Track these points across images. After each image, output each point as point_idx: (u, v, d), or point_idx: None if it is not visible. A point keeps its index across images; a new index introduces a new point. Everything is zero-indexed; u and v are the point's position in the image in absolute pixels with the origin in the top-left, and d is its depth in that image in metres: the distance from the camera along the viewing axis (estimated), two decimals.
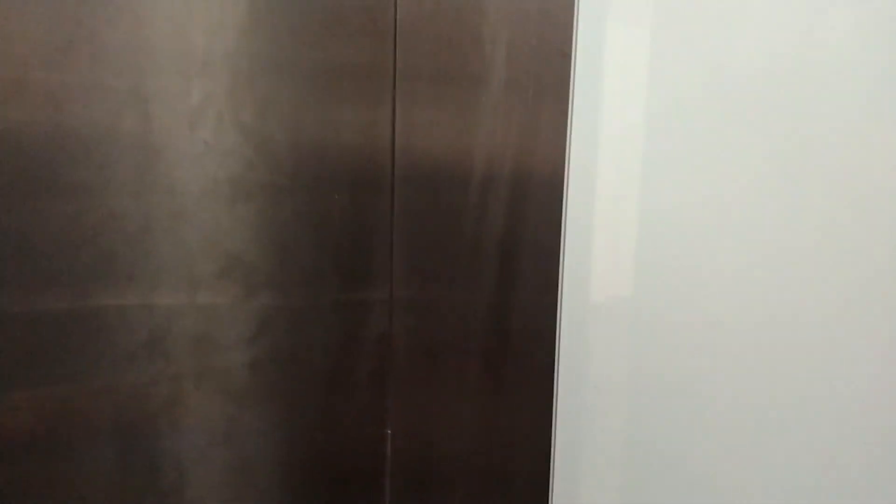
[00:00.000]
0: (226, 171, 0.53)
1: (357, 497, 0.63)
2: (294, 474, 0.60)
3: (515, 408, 0.65)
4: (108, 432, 0.52)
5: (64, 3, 0.47)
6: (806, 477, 0.51)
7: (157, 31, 0.50)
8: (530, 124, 0.62)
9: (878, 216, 0.47)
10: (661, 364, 0.56)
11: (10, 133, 0.47)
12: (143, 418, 0.53)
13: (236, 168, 0.53)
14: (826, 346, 0.50)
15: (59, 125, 0.48)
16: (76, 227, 0.49)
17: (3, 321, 0.48)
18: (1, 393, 0.49)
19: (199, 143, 0.52)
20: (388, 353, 0.61)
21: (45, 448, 0.51)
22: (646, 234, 0.56)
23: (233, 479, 0.58)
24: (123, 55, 0.49)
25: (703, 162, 0.54)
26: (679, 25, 0.54)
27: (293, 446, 0.60)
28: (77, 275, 0.50)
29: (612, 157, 0.58)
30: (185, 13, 0.50)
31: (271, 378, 0.57)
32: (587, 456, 0.60)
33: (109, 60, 0.48)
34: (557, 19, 0.61)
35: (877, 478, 0.48)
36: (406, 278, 0.60)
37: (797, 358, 0.51)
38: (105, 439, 0.52)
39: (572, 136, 0.59)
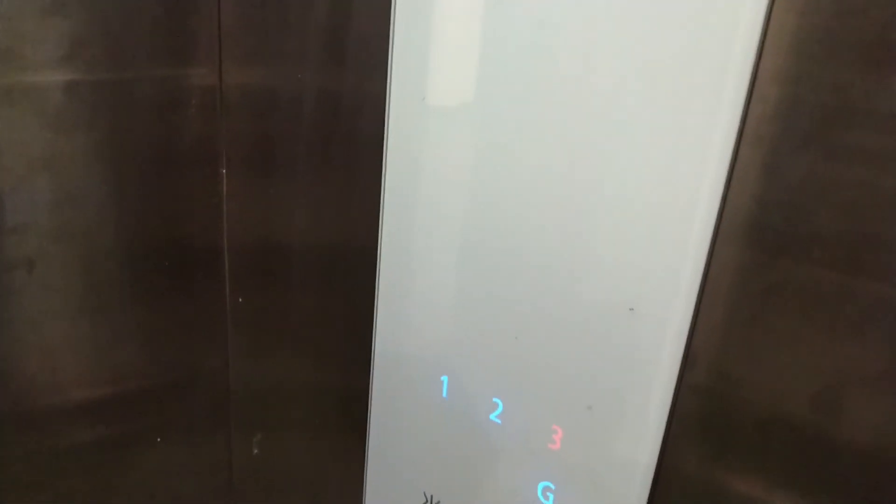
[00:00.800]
0: None
1: (195, 226, 0.64)
2: (126, 200, 0.61)
3: (346, 187, 0.66)
4: None
5: None
6: None
7: None
8: None
9: None
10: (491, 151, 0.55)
11: None
12: None
13: None
14: None
15: None
16: None
17: None
18: None
19: None
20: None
21: None
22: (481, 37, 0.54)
23: (57, 209, 0.57)
24: None
25: None
26: None
27: (121, 178, 0.59)
28: None
29: None
30: None
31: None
32: (416, 229, 0.60)
33: None
34: None
35: None
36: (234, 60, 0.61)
37: None
38: None
39: None
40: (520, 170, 0.54)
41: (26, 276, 0.57)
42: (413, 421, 0.65)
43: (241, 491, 0.75)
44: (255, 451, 0.74)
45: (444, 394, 0.61)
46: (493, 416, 0.59)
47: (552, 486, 0.59)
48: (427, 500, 0.67)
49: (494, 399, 0.59)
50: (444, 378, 0.61)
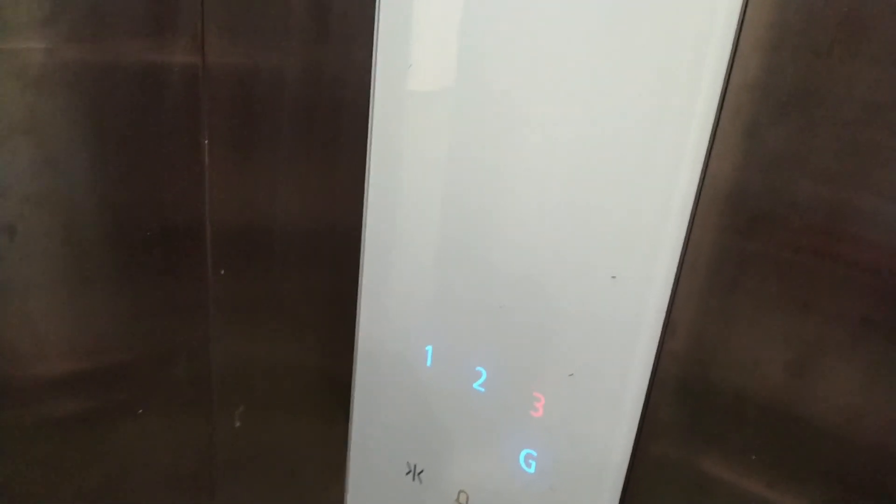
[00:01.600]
0: None
1: (177, 197, 0.64)
2: (107, 167, 0.60)
3: (330, 163, 0.67)
4: None
5: None
6: None
7: None
8: None
9: None
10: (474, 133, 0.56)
11: None
12: None
13: None
14: None
15: None
16: None
17: None
18: None
19: None
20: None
21: None
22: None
23: (37, 173, 0.57)
24: None
25: None
26: None
27: (102, 144, 0.59)
28: None
29: None
30: None
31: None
32: (400, 205, 0.61)
33: None
34: None
35: None
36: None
37: None
38: None
39: None
40: (502, 145, 0.54)
41: (8, 243, 0.56)
42: (397, 391, 0.65)
43: (222, 463, 0.75)
44: (237, 423, 0.74)
45: (429, 363, 0.62)
46: (476, 385, 0.60)
47: (534, 454, 0.59)
48: (410, 470, 0.67)
49: (478, 368, 0.60)
50: (429, 348, 0.62)
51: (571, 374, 0.56)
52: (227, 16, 0.61)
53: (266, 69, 0.63)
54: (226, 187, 0.66)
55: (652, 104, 0.49)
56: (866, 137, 0.44)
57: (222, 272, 0.68)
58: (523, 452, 0.60)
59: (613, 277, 0.53)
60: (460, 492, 0.65)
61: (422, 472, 0.67)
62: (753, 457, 0.54)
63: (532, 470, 0.60)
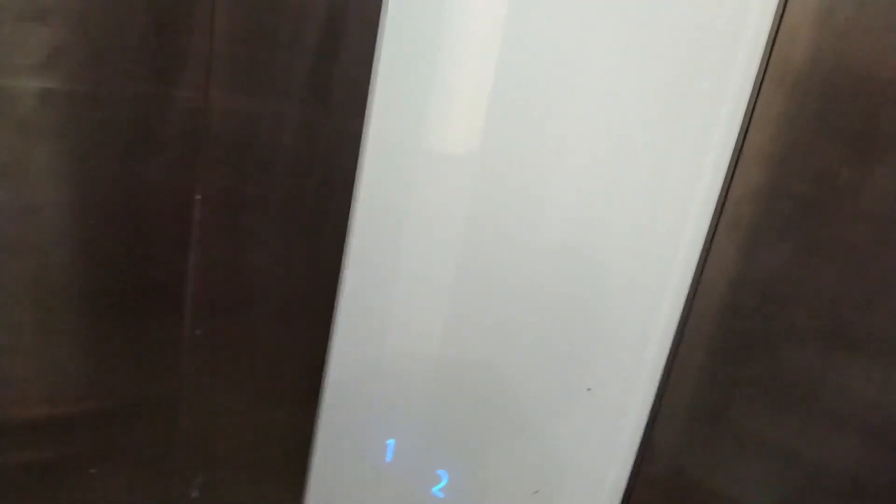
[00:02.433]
0: None
1: (160, 252, 0.62)
2: (88, 217, 0.58)
3: (316, 237, 0.65)
4: None
5: None
6: None
7: None
8: None
9: None
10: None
11: None
12: None
13: None
14: None
15: None
16: None
17: None
18: None
19: None
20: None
21: None
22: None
23: (12, 219, 0.55)
24: None
25: None
26: None
27: (85, 194, 0.58)
28: None
29: None
30: None
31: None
32: (378, 285, 0.57)
33: None
34: None
35: None
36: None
37: None
38: None
39: None
40: (490, 233, 0.51)
41: None
42: (355, 482, 0.61)
43: None
44: (195, 494, 0.70)
45: (389, 458, 0.57)
46: (435, 490, 0.55)
47: None
48: None
49: (438, 471, 0.55)
50: (391, 442, 0.57)
51: (536, 492, 0.51)
52: (232, 73, 0.60)
53: (265, 129, 0.62)
54: (212, 247, 0.64)
55: (651, 196, 0.45)
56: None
57: (198, 332, 0.66)
58: None
59: (589, 390, 0.48)
60: None
61: None
62: None
63: None
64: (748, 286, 0.44)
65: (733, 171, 0.44)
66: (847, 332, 0.41)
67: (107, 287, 0.61)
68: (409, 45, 0.51)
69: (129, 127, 0.58)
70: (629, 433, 0.48)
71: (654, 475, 0.49)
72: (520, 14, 0.46)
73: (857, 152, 0.40)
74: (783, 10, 0.41)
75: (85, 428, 0.64)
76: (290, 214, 0.65)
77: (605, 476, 0.49)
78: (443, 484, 0.55)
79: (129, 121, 0.58)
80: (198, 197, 0.62)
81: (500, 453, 0.53)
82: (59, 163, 0.57)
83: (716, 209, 0.44)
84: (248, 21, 0.59)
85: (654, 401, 0.47)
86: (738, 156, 0.44)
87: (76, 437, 0.64)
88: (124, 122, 0.58)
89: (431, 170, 0.53)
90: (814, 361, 0.42)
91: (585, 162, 0.47)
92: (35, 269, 0.58)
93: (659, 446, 0.49)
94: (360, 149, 0.57)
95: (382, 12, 0.51)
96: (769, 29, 0.41)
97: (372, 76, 0.56)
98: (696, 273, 0.45)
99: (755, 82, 0.42)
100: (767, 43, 0.40)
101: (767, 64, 0.41)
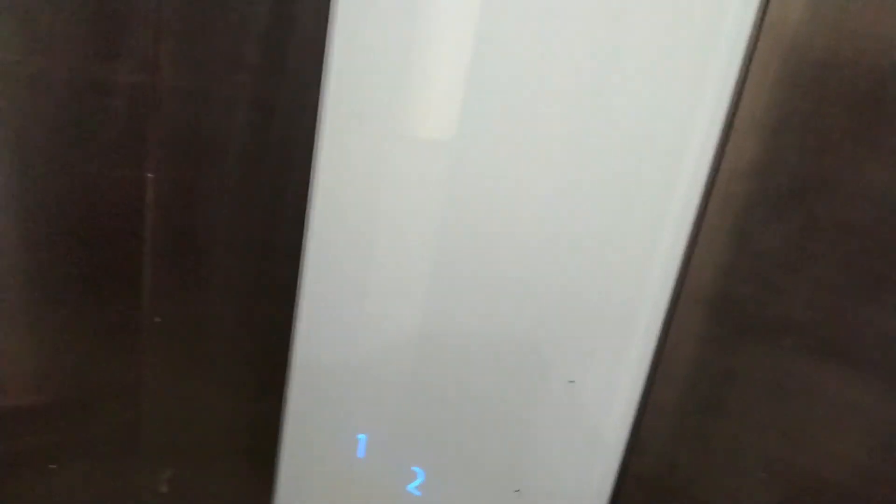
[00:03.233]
0: None
1: (113, 234, 0.59)
2: (37, 202, 0.55)
3: (273, 219, 0.62)
4: None
5: None
6: None
7: None
8: None
9: None
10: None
11: None
12: None
13: None
14: None
15: None
16: None
17: None
18: None
19: None
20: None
21: None
22: None
23: None
24: None
25: None
26: None
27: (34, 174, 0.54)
28: None
29: None
30: None
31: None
32: (341, 266, 0.53)
33: None
34: None
35: None
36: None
37: None
38: None
39: None
40: (466, 218, 0.47)
41: None
42: (326, 478, 0.58)
43: None
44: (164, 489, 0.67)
45: (361, 454, 0.54)
46: (410, 487, 0.52)
47: None
48: None
49: (414, 468, 0.52)
50: (362, 437, 0.54)
51: (518, 491, 0.48)
52: (180, 44, 0.56)
53: (217, 103, 0.59)
54: (167, 229, 0.60)
55: (634, 176, 0.41)
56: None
57: (157, 320, 0.62)
58: None
59: (571, 382, 0.45)
60: None
61: None
62: None
63: None
64: (741, 272, 0.41)
65: (724, 144, 0.40)
66: (849, 323, 0.37)
67: (60, 273, 0.58)
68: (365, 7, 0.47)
69: (72, 99, 0.55)
70: (615, 428, 0.45)
71: (644, 472, 0.46)
72: None
73: (861, 122, 0.36)
74: None
75: (42, 421, 0.61)
76: (247, 192, 0.61)
77: (591, 473, 0.46)
78: (419, 481, 0.52)
79: (75, 101, 0.55)
80: (150, 175, 0.59)
81: (479, 450, 0.49)
82: (2, 147, 0.53)
83: (705, 187, 0.40)
84: None
85: (642, 394, 0.44)
86: (730, 127, 0.40)
87: (33, 430, 0.61)
88: (70, 102, 0.54)
89: (403, 147, 0.49)
90: (811, 352, 0.39)
91: (564, 139, 0.43)
92: None
93: (648, 442, 0.45)
94: (318, 121, 0.53)
95: None
96: None
97: (327, 40, 0.52)
98: (684, 257, 0.41)
99: (747, 45, 0.37)
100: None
101: (761, 24, 0.37)
